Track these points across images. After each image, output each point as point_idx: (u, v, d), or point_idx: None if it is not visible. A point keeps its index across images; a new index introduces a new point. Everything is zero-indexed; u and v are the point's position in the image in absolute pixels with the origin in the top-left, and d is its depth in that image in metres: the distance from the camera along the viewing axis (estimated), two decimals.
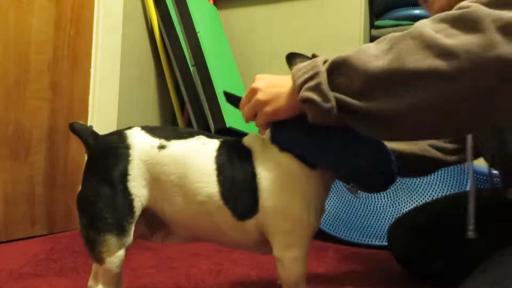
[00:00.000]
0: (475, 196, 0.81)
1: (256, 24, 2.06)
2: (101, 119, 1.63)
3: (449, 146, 0.94)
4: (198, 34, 1.75)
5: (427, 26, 0.55)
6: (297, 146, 0.68)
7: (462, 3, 0.55)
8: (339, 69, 0.59)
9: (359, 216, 1.51)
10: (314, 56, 0.69)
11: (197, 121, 1.76)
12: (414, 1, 1.89)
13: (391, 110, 0.55)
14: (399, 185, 1.48)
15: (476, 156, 0.95)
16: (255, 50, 2.04)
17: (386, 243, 1.18)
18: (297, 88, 0.62)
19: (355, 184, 0.72)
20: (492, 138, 0.78)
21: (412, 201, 1.46)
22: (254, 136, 0.74)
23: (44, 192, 1.46)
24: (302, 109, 0.62)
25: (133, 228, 0.67)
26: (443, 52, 0.52)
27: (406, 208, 1.44)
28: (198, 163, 0.68)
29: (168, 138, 0.70)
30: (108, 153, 0.68)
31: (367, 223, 1.49)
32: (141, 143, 0.69)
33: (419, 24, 0.56)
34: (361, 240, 1.46)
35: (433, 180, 1.44)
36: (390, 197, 1.51)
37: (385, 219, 1.47)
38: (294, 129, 0.68)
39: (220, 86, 1.72)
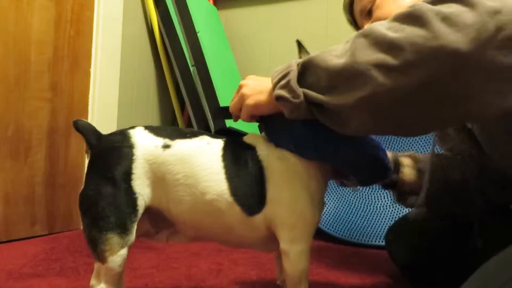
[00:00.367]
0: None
1: (256, 24, 2.06)
2: (101, 119, 1.63)
3: None
4: (198, 34, 1.75)
5: (380, 25, 0.58)
6: (283, 139, 0.72)
7: (413, 3, 0.57)
8: (309, 69, 0.63)
9: (359, 216, 1.51)
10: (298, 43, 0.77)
11: (197, 121, 1.76)
12: None
13: (347, 103, 0.59)
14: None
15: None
16: (255, 50, 2.05)
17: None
18: (272, 87, 0.67)
19: (354, 177, 0.76)
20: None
21: None
22: (254, 135, 0.77)
23: (44, 192, 1.46)
24: (278, 106, 0.67)
25: (135, 227, 0.67)
26: (390, 46, 0.55)
27: (406, 208, 1.44)
28: (205, 162, 0.69)
29: (172, 137, 0.70)
30: (111, 152, 0.68)
31: (367, 223, 1.49)
32: (145, 142, 0.69)
33: (374, 24, 0.60)
34: (361, 240, 1.46)
35: None
36: (390, 197, 1.51)
37: (385, 219, 1.47)
38: (281, 124, 0.71)
39: (220, 86, 1.71)
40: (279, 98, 0.65)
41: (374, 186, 1.43)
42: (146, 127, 0.72)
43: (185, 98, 1.80)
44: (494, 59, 0.52)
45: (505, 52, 0.52)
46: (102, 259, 0.65)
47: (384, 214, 1.48)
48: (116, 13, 1.71)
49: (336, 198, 1.59)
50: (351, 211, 1.54)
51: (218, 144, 0.72)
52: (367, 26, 0.60)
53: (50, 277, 0.98)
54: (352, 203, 1.55)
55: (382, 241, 1.41)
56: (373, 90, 0.56)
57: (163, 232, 0.74)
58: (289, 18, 1.99)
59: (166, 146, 0.69)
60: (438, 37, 0.52)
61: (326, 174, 0.75)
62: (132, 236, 0.67)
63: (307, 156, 0.71)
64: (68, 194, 1.53)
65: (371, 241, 1.44)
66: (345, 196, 1.57)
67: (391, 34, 0.55)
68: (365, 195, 1.55)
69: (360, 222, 1.50)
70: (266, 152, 0.72)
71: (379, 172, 0.75)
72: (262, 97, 0.70)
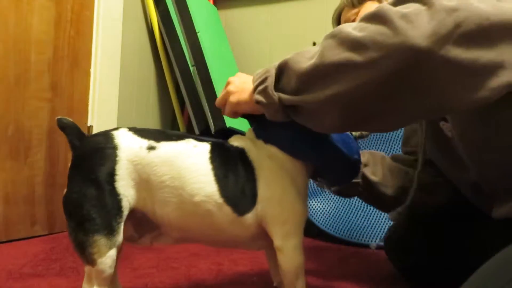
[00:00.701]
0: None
1: (256, 24, 2.06)
2: (101, 119, 1.63)
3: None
4: (198, 34, 1.75)
5: (348, 25, 0.61)
6: (274, 138, 0.75)
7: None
8: (283, 72, 0.67)
9: (359, 216, 1.51)
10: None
11: (197, 121, 1.76)
12: None
13: (319, 101, 0.62)
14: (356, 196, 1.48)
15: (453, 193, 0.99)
16: (255, 50, 2.04)
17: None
18: (252, 91, 0.71)
19: (324, 175, 0.80)
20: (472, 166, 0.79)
21: None
22: (240, 137, 0.79)
23: (44, 192, 1.46)
24: (258, 108, 0.70)
25: (122, 227, 0.67)
26: (355, 44, 0.57)
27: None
28: (193, 164, 0.69)
29: (157, 139, 0.70)
30: (94, 153, 0.67)
31: (367, 223, 1.49)
32: (128, 144, 0.69)
33: (343, 25, 0.63)
34: (361, 240, 1.46)
35: None
36: None
37: (385, 219, 1.47)
38: (269, 123, 0.74)
39: (220, 86, 1.71)
40: (258, 102, 0.69)
41: None
42: (130, 129, 0.71)
43: (185, 98, 1.80)
44: (454, 54, 0.53)
45: (464, 47, 0.53)
46: (91, 262, 0.65)
47: (384, 214, 1.48)
48: (116, 13, 1.71)
49: (336, 198, 1.59)
50: (351, 211, 1.54)
51: (205, 147, 0.72)
52: (336, 27, 0.63)
53: (50, 277, 0.98)
54: (352, 203, 1.55)
55: (382, 241, 1.41)
56: (341, 87, 0.59)
57: (147, 235, 0.74)
58: (289, 18, 1.99)
59: (151, 148, 0.69)
60: (398, 33, 0.54)
61: (311, 169, 0.78)
62: (120, 237, 0.66)
63: (293, 153, 0.74)
64: None
65: (371, 241, 1.44)
66: None
67: (356, 33, 0.58)
68: None
69: (360, 222, 1.50)
70: (256, 153, 0.74)
71: (352, 171, 0.79)
72: (244, 96, 0.74)
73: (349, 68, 0.58)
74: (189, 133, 0.79)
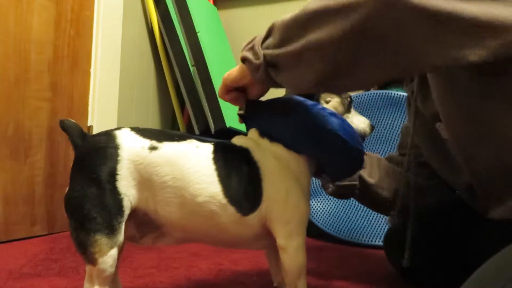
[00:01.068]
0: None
1: (256, 24, 2.06)
2: (101, 119, 1.63)
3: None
4: (198, 34, 1.75)
5: None
6: (277, 132, 0.75)
7: None
8: (271, 31, 0.68)
9: (359, 216, 1.51)
10: None
11: (197, 121, 1.76)
12: None
13: (297, 50, 0.62)
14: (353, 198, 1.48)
15: (447, 194, 1.01)
16: None
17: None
18: (241, 50, 0.72)
19: (328, 169, 0.80)
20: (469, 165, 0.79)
21: None
22: (243, 137, 0.79)
23: (44, 192, 1.46)
24: (243, 70, 0.72)
25: (123, 227, 0.67)
26: None
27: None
28: (195, 165, 0.69)
29: (159, 139, 0.70)
30: (96, 153, 0.67)
31: (367, 223, 1.49)
32: (130, 143, 0.68)
33: None
34: (361, 240, 1.46)
35: None
36: None
37: (385, 219, 1.47)
38: (272, 115, 0.75)
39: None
40: (243, 59, 0.71)
41: None
42: (133, 128, 0.71)
43: (185, 98, 1.80)
44: (430, 3, 0.52)
45: None
46: (93, 261, 0.65)
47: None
48: (116, 13, 1.71)
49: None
50: (351, 211, 1.54)
51: (207, 148, 0.72)
52: None
53: (50, 277, 0.98)
54: (352, 203, 1.55)
55: (382, 241, 1.41)
56: (318, 35, 0.60)
57: (149, 235, 0.74)
58: None
59: (153, 148, 0.69)
60: None
61: (312, 167, 0.78)
62: (121, 236, 0.66)
63: (296, 146, 0.74)
64: None
65: (371, 241, 1.45)
66: None
67: None
68: None
69: (360, 222, 1.50)
70: (260, 152, 0.74)
71: (356, 163, 0.78)
72: (235, 69, 0.76)
73: (325, 15, 0.59)
74: (191, 134, 0.79)
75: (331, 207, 1.58)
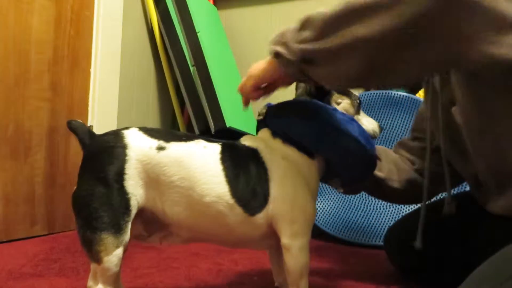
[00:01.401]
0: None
1: (256, 24, 2.06)
2: (101, 119, 1.63)
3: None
4: (198, 34, 1.75)
5: None
6: (294, 134, 0.75)
7: None
8: (306, 24, 0.65)
9: (359, 216, 1.51)
10: None
11: (197, 121, 1.76)
12: None
13: (341, 43, 0.60)
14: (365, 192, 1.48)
15: (457, 183, 1.00)
16: (255, 50, 2.04)
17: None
18: (270, 44, 0.70)
19: (341, 172, 0.80)
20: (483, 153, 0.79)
21: None
22: (251, 137, 0.79)
23: (44, 192, 1.46)
24: (274, 65, 0.70)
25: (129, 226, 0.67)
26: None
27: (406, 208, 1.44)
28: (203, 165, 0.69)
29: (167, 140, 0.70)
30: (104, 152, 0.68)
31: (367, 223, 1.49)
32: (138, 143, 0.69)
33: None
34: (361, 240, 1.46)
35: None
36: None
37: (385, 219, 1.47)
38: (292, 115, 0.75)
39: (220, 86, 1.71)
40: (275, 54, 0.69)
41: None
42: (141, 128, 0.72)
43: (185, 98, 1.80)
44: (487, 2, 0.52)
45: None
46: (98, 260, 0.65)
47: (384, 214, 1.48)
48: (116, 13, 1.71)
49: (336, 198, 1.59)
50: (351, 211, 1.54)
51: (215, 148, 0.72)
52: None
53: (50, 277, 0.98)
54: (352, 203, 1.55)
55: (382, 241, 1.41)
56: (366, 30, 0.58)
57: (156, 234, 0.74)
58: (289, 18, 1.99)
59: (161, 148, 0.69)
60: None
61: (321, 170, 0.78)
62: (127, 236, 0.66)
63: (312, 148, 0.75)
64: (68, 194, 1.50)
65: (371, 241, 1.44)
66: (345, 196, 1.57)
67: None
68: (365, 195, 1.55)
69: (360, 222, 1.50)
70: (269, 153, 0.74)
71: (369, 167, 0.79)
72: (261, 63, 0.73)
73: (371, 10, 0.57)
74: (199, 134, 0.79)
75: (331, 207, 1.58)
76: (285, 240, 0.72)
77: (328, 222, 1.54)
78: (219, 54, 1.87)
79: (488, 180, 0.78)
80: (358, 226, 1.49)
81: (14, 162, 1.36)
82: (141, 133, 0.71)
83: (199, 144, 0.72)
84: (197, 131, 1.76)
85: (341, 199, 1.58)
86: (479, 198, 0.86)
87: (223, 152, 0.72)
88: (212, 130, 1.68)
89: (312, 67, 0.65)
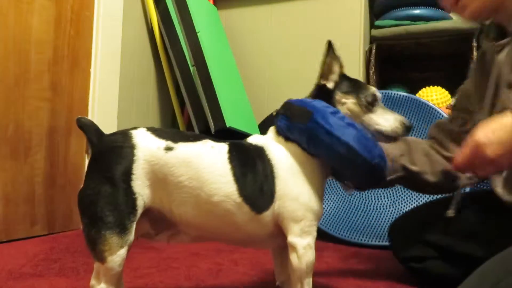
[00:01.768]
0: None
1: (256, 24, 2.06)
2: (101, 119, 1.63)
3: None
4: (198, 34, 1.75)
5: None
6: (291, 134, 0.75)
7: None
8: None
9: (359, 216, 1.51)
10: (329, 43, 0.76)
11: (197, 121, 1.76)
12: (414, 1, 1.89)
13: None
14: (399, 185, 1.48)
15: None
16: (255, 50, 2.04)
17: (387, 243, 1.17)
18: None
19: (344, 177, 0.79)
20: None
21: (412, 201, 1.46)
22: (258, 136, 0.79)
23: (44, 192, 1.46)
24: None
25: (134, 226, 0.67)
26: None
27: (406, 208, 1.44)
28: (211, 165, 0.70)
29: (175, 140, 0.71)
30: (112, 152, 0.68)
31: (367, 223, 1.49)
32: (146, 143, 0.69)
33: None
34: (361, 240, 1.46)
35: None
36: (390, 197, 1.51)
37: (385, 219, 1.47)
38: (290, 117, 0.74)
39: (220, 86, 1.71)
40: None
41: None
42: (149, 129, 0.72)
43: (185, 98, 1.80)
44: None
45: None
46: (102, 259, 0.65)
47: (384, 214, 1.48)
48: (116, 13, 1.71)
49: (336, 198, 1.59)
50: (351, 211, 1.54)
51: (222, 148, 0.73)
52: None
53: (50, 277, 0.98)
54: (352, 203, 1.55)
55: (382, 241, 1.41)
56: None
57: (164, 233, 0.74)
58: (289, 18, 1.99)
59: (169, 149, 0.69)
60: None
61: (327, 169, 0.78)
62: (131, 236, 0.67)
63: (308, 151, 0.74)
64: (68, 194, 1.53)
65: (371, 241, 1.44)
66: (345, 196, 1.57)
67: None
68: (365, 195, 1.55)
69: (360, 222, 1.50)
70: (275, 151, 0.74)
71: (374, 176, 0.76)
72: (500, 133, 0.67)
73: None
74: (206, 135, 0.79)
75: (331, 207, 1.58)
76: (291, 238, 0.72)
77: (328, 222, 1.54)
78: (219, 54, 1.87)
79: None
80: (358, 226, 1.49)
81: (14, 162, 1.36)
82: (149, 133, 0.71)
83: (207, 144, 0.72)
84: (197, 131, 1.76)
85: (341, 199, 1.58)
86: (496, 187, 0.85)
87: (230, 151, 0.72)
88: (212, 130, 1.68)
89: None
